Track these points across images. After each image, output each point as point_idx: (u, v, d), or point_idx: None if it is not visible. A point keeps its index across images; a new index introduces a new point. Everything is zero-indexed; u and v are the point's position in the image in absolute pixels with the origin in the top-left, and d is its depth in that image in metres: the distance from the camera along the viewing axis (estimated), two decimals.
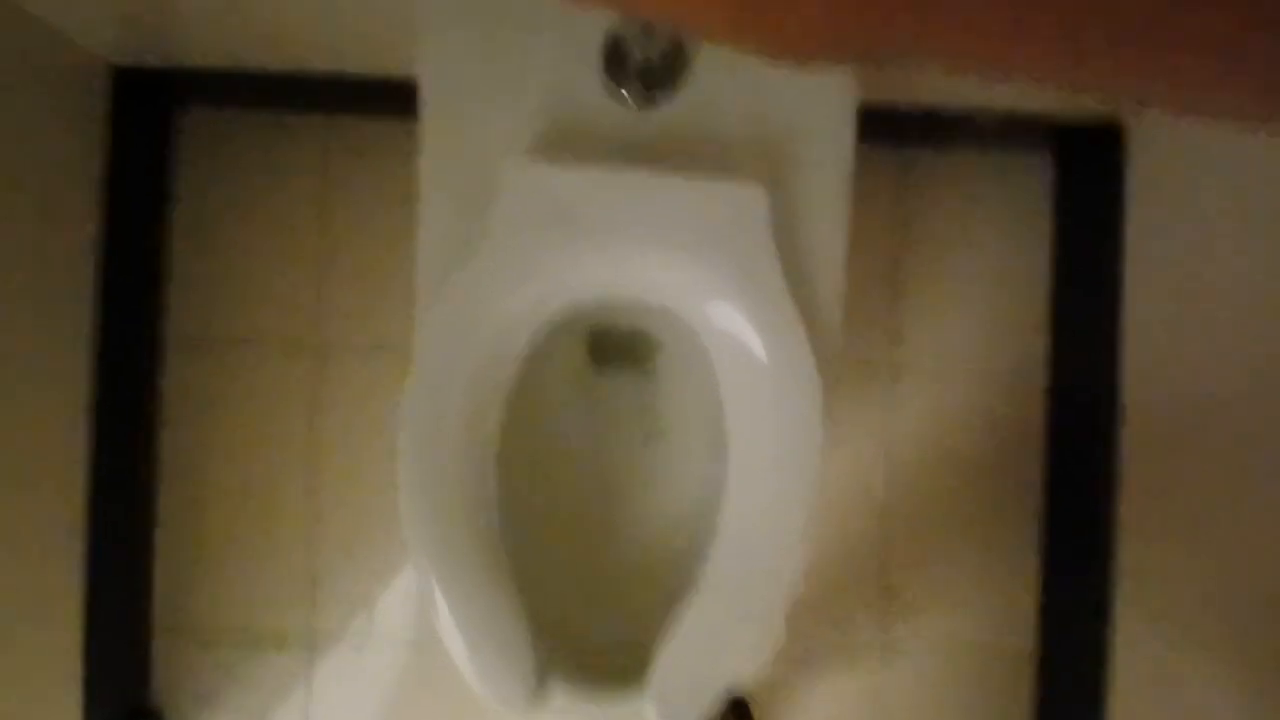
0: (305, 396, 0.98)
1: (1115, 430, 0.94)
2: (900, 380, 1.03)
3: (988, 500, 1.03)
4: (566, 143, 0.58)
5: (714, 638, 0.59)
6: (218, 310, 0.97)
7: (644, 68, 0.57)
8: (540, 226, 0.56)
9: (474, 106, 0.59)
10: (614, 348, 0.81)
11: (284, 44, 0.79)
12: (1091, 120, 0.92)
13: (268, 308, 0.97)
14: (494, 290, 0.57)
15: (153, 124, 0.91)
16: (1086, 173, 0.97)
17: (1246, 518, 0.75)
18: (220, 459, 0.97)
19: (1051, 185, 1.03)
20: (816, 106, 0.61)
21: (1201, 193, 0.81)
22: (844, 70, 0.62)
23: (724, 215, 0.55)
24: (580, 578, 0.68)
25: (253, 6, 0.71)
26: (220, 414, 0.97)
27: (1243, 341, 0.75)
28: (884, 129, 0.96)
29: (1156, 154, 0.88)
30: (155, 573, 0.94)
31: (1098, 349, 0.95)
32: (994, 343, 1.04)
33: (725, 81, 0.60)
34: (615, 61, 0.58)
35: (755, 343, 0.56)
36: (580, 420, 0.79)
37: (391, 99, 0.87)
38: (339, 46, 0.79)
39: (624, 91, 0.58)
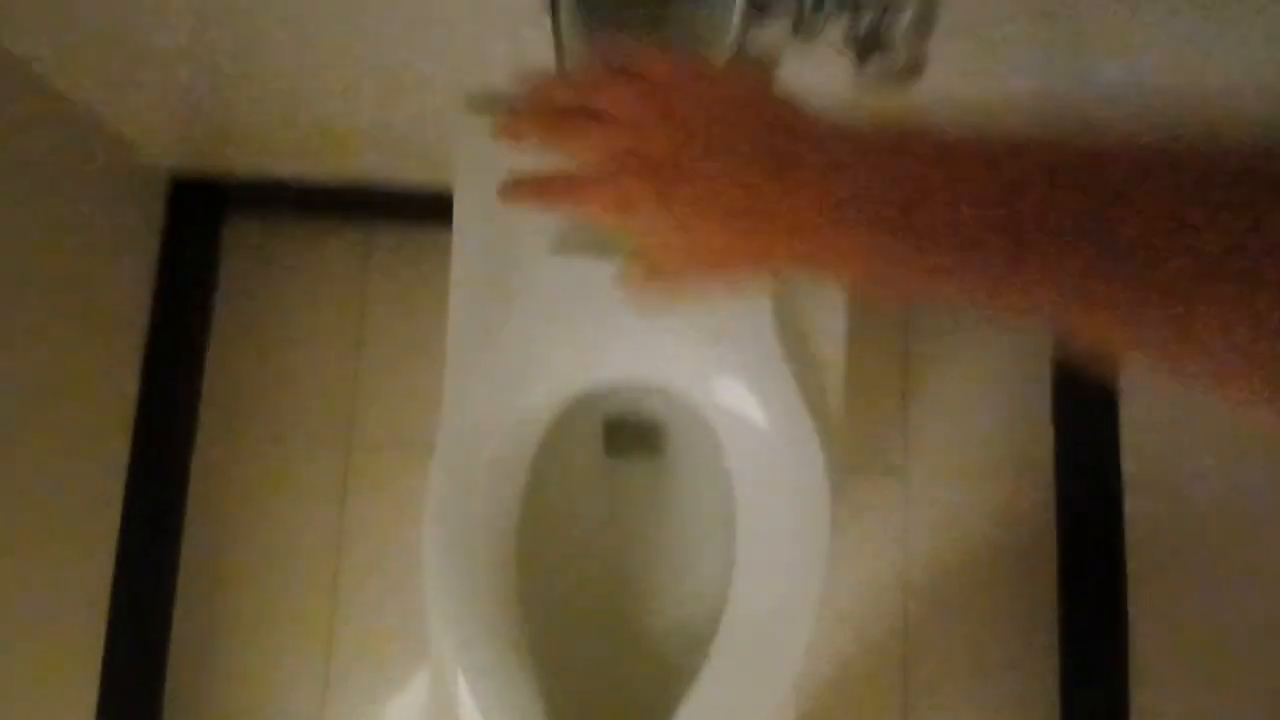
0: (331, 491, 1.00)
1: (1121, 526, 0.94)
2: (912, 481, 1.05)
3: (1005, 598, 1.03)
4: (583, 242, 0.63)
5: (723, 717, 0.59)
6: (252, 405, 1.01)
7: None
8: (559, 315, 0.60)
9: (501, 211, 0.65)
10: (627, 437, 0.84)
11: (328, 155, 0.86)
12: None
13: (300, 405, 1.01)
14: (515, 378, 0.61)
15: (204, 230, 0.99)
16: None
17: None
18: (244, 549, 0.98)
19: None
20: None
21: None
22: None
23: (729, 304, 0.60)
24: (597, 661, 0.68)
25: (302, 119, 0.78)
26: (247, 504, 0.99)
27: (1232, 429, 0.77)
28: None
29: None
30: (170, 658, 0.94)
31: (1100, 445, 0.97)
32: (1000, 443, 1.06)
33: None
34: None
35: (760, 421, 0.59)
36: (596, 507, 0.81)
37: (426, 210, 0.95)
38: (379, 158, 0.86)
39: None
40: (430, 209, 0.93)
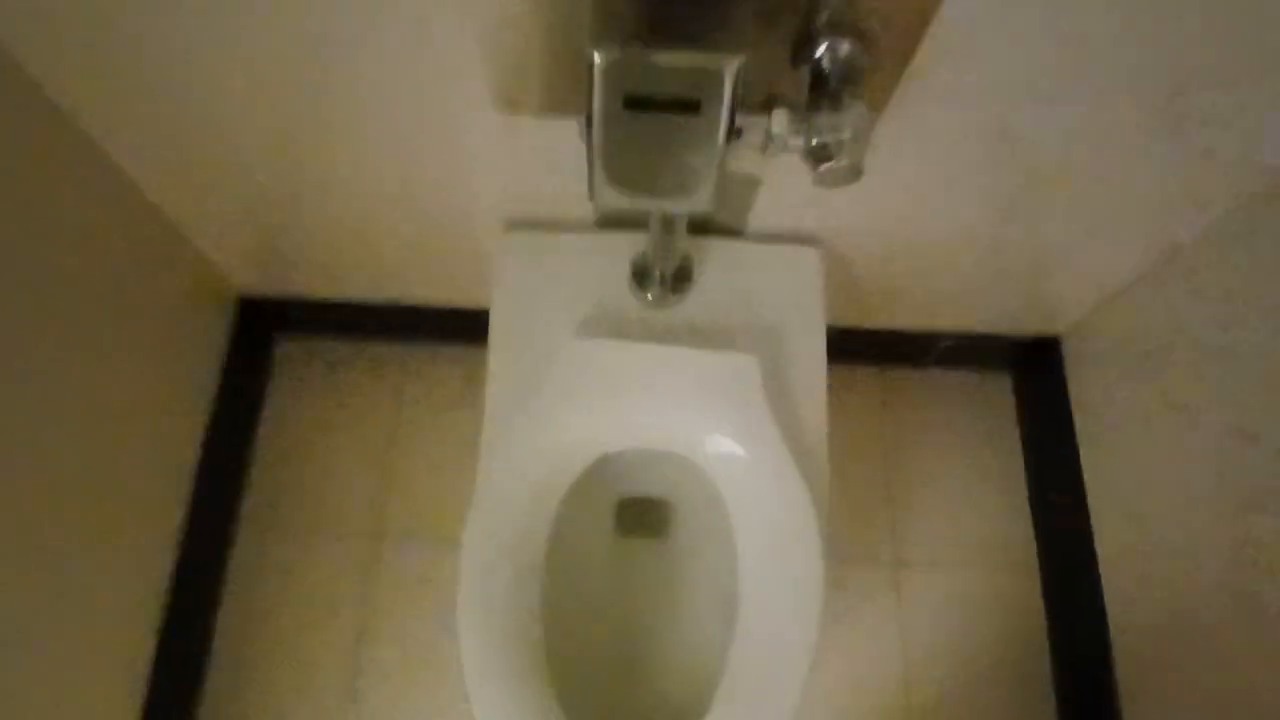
0: (357, 583, 1.07)
1: (1104, 620, 1.00)
2: (903, 571, 1.11)
3: (1003, 681, 1.06)
4: (604, 328, 0.76)
5: None
6: (290, 499, 1.10)
7: (661, 278, 0.76)
8: (582, 387, 0.71)
9: (534, 304, 0.78)
10: (638, 519, 0.93)
11: (375, 278, 1.01)
12: (1033, 334, 1.10)
13: (334, 503, 1.10)
14: (543, 439, 0.71)
15: (261, 343, 1.12)
16: (1037, 379, 1.14)
17: None
18: (272, 634, 1.03)
19: (1012, 390, 1.19)
20: (793, 298, 0.79)
21: (1127, 381, 0.97)
22: (811, 272, 0.81)
23: (724, 377, 0.71)
24: (615, 708, 0.73)
25: (356, 245, 0.93)
26: (278, 591, 1.05)
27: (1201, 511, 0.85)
28: (869, 352, 1.16)
29: (1086, 356, 1.05)
30: None
31: (1075, 533, 1.04)
32: (985, 531, 1.13)
33: (718, 288, 0.79)
34: (640, 274, 0.78)
35: (754, 474, 0.68)
36: (610, 576, 0.88)
37: (455, 330, 1.09)
38: (419, 281, 1.01)
39: (648, 295, 0.77)
40: (459, 329, 1.07)
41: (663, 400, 0.71)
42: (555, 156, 0.74)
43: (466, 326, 1.03)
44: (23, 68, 0.67)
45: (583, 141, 0.55)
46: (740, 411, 0.70)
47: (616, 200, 0.58)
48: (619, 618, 0.84)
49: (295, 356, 1.17)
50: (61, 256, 0.75)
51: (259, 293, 1.06)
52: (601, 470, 0.77)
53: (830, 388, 1.16)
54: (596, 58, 0.46)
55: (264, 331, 1.13)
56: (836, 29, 0.54)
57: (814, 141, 0.53)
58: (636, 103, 0.49)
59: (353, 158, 0.76)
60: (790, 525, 0.67)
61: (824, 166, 0.53)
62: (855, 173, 0.53)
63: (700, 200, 0.58)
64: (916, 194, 0.79)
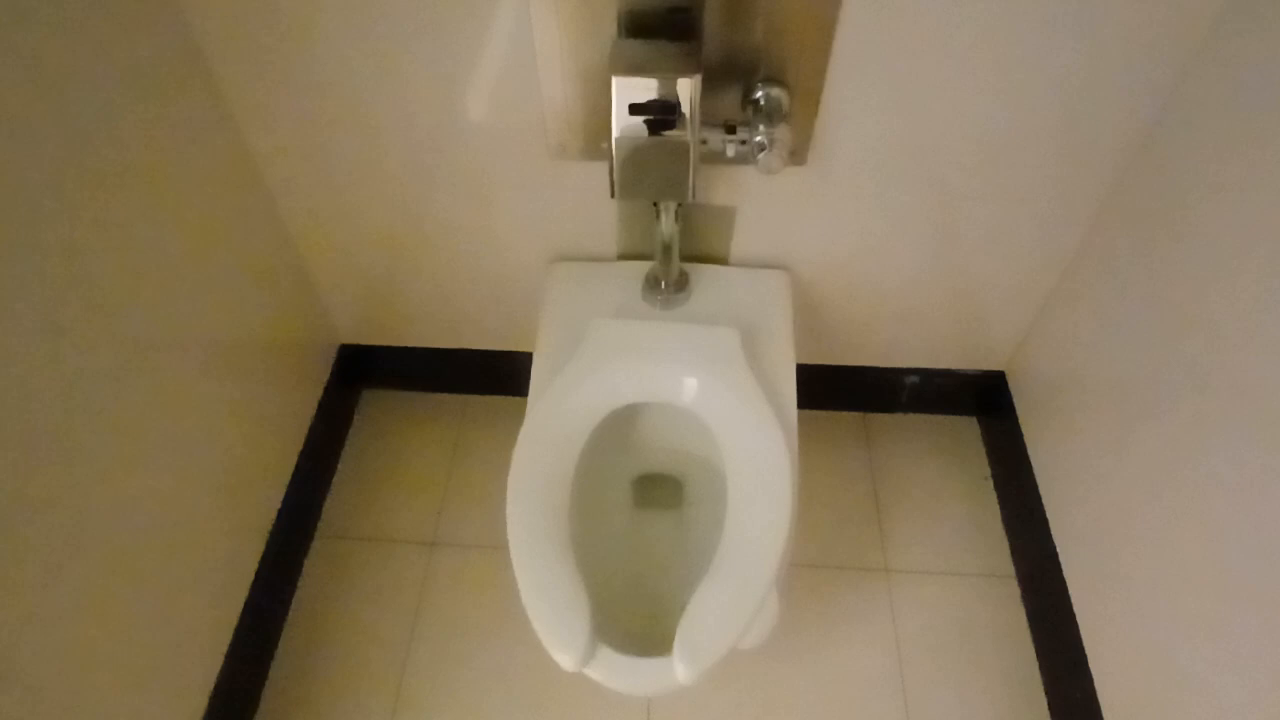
0: (414, 588, 1.24)
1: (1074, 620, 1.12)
2: (894, 585, 1.25)
3: (998, 685, 1.16)
4: (633, 311, 1.02)
5: (722, 610, 0.79)
6: (362, 518, 1.31)
7: (666, 286, 1.03)
8: (605, 353, 0.96)
9: (571, 307, 1.04)
10: (654, 495, 1.12)
11: (445, 327, 1.29)
12: (984, 370, 1.32)
13: (399, 519, 1.31)
14: (575, 390, 0.94)
15: (349, 391, 1.39)
16: (994, 414, 1.34)
17: None
18: (337, 631, 1.20)
19: (977, 429, 1.39)
20: (767, 305, 1.05)
21: (1059, 408, 1.17)
22: (782, 290, 1.07)
23: (712, 344, 0.95)
24: (623, 587, 0.89)
25: (434, 297, 1.22)
26: (346, 593, 1.23)
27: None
28: (847, 396, 1.38)
29: (1026, 387, 1.26)
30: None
31: (1039, 543, 1.19)
32: (966, 552, 1.28)
33: (709, 299, 1.05)
34: (650, 284, 1.05)
35: (737, 413, 0.90)
36: (627, 540, 1.06)
37: (509, 381, 1.35)
38: (481, 331, 1.29)
39: (656, 299, 1.04)
40: (509, 379, 1.33)
41: (664, 358, 0.95)
42: (589, 201, 1.04)
43: (519, 376, 1.29)
44: (229, 111, 1.00)
45: (609, 169, 0.85)
46: (723, 362, 0.94)
47: (630, 195, 0.87)
48: (636, 564, 1.02)
49: (376, 403, 1.43)
50: (209, 277, 1.00)
51: (355, 341, 1.35)
52: (621, 446, 0.99)
53: (818, 430, 1.38)
54: (615, 82, 0.77)
55: (355, 378, 1.40)
56: (768, 81, 0.86)
57: (756, 139, 0.82)
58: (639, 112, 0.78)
59: (441, 204, 1.07)
60: (762, 436, 0.88)
61: (762, 155, 0.82)
62: (782, 160, 0.82)
63: (683, 192, 0.86)
64: (851, 228, 1.07)
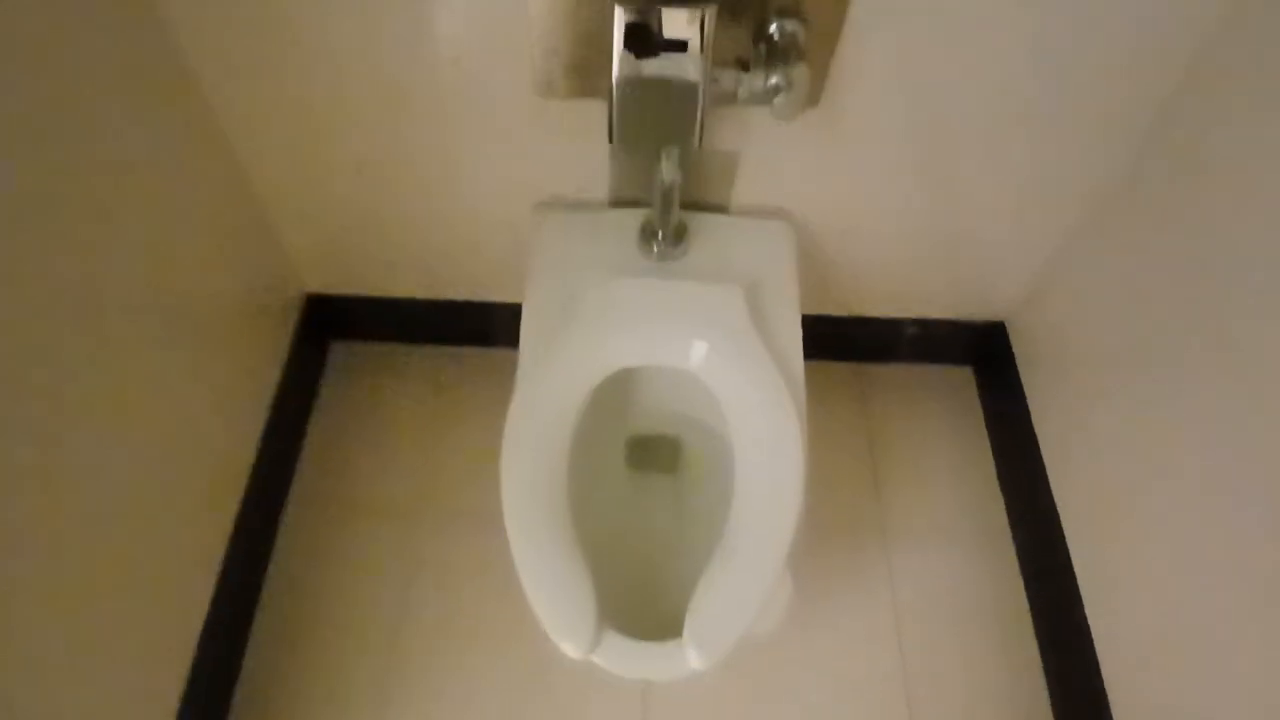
0: (398, 555, 1.19)
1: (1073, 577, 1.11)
2: (891, 547, 1.23)
3: (995, 648, 1.15)
4: (620, 274, 0.94)
5: (731, 590, 0.76)
6: (338, 483, 1.24)
7: (663, 237, 0.95)
8: (602, 314, 0.89)
9: (561, 260, 0.97)
10: (651, 457, 1.07)
11: (420, 275, 1.20)
12: (985, 320, 1.28)
13: (379, 485, 1.24)
14: (573, 356, 0.87)
15: (318, 342, 1.30)
16: (992, 364, 1.31)
17: None
18: (315, 607, 1.14)
19: (974, 381, 1.36)
20: (770, 258, 0.98)
21: (1064, 359, 1.14)
22: (785, 240, 1.00)
23: (715, 303, 0.89)
24: (620, 558, 0.85)
25: (407, 243, 1.13)
26: (323, 563, 1.17)
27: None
28: (845, 347, 1.33)
29: (1029, 337, 1.22)
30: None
31: (1036, 499, 1.17)
32: (961, 510, 1.26)
33: (709, 250, 0.98)
34: (646, 234, 0.97)
35: (744, 381, 0.84)
36: (623, 505, 1.01)
37: (491, 332, 1.27)
38: (465, 273, 1.20)
39: (653, 250, 0.96)
40: (500, 329, 1.26)
41: (664, 320, 0.88)
42: (579, 143, 0.95)
43: (504, 328, 1.22)
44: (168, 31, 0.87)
45: (607, 111, 0.77)
46: (727, 324, 0.88)
47: (630, 141, 0.78)
48: (631, 535, 0.98)
49: (347, 356, 1.35)
50: (163, 229, 0.90)
51: (322, 290, 1.25)
52: (617, 406, 0.93)
53: (813, 382, 1.33)
54: (618, 11, 0.67)
55: (323, 329, 1.32)
56: (783, 14, 0.77)
57: (771, 81, 0.73)
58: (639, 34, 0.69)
59: (413, 145, 0.97)
60: (770, 403, 0.83)
61: (778, 98, 0.73)
62: (799, 105, 0.74)
63: (689, 138, 0.78)
64: (859, 175, 1.00)
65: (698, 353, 0.87)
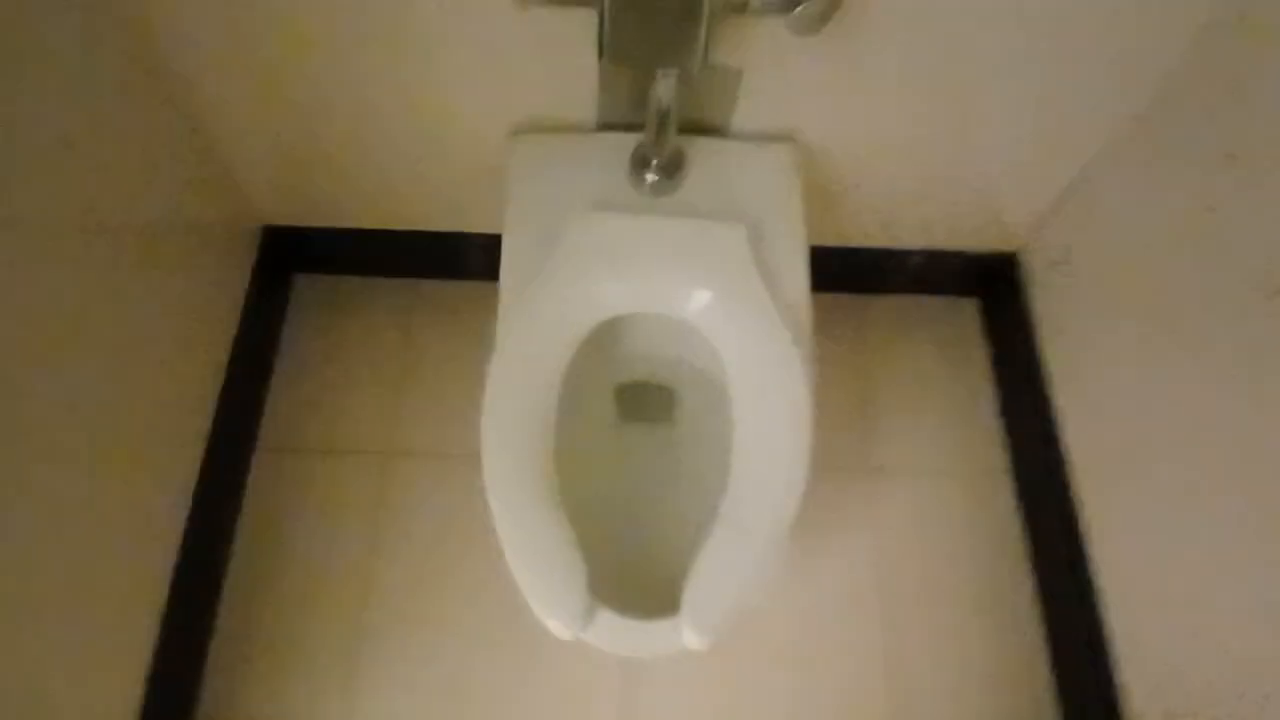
0: (370, 500, 1.13)
1: (1077, 522, 1.07)
2: (877, 480, 1.18)
3: (984, 593, 1.13)
4: (609, 210, 0.85)
5: (731, 564, 0.70)
6: (306, 426, 1.17)
7: (657, 166, 0.85)
8: (589, 255, 0.80)
9: (543, 193, 0.86)
10: (639, 409, 1.00)
11: (389, 206, 1.09)
12: (994, 251, 1.20)
13: (348, 427, 1.17)
14: (555, 300, 0.78)
15: (280, 275, 1.20)
16: (999, 295, 1.24)
17: None
18: (287, 554, 1.09)
19: (979, 312, 1.30)
20: (774, 187, 0.88)
21: (1082, 289, 1.07)
22: (789, 167, 0.90)
23: (714, 243, 0.80)
24: (618, 535, 0.80)
25: (374, 170, 1.02)
26: (294, 509, 1.11)
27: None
28: (844, 275, 1.25)
29: (1041, 268, 1.15)
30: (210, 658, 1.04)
31: (1043, 438, 1.13)
32: (956, 443, 1.22)
33: (708, 180, 0.88)
34: (639, 163, 0.87)
35: (742, 321, 0.77)
36: (613, 459, 0.95)
37: (464, 263, 1.17)
38: (431, 208, 1.09)
39: (646, 181, 0.86)
40: (471, 261, 1.16)
41: (660, 265, 0.80)
42: (561, 57, 0.83)
43: (476, 259, 1.12)
44: None
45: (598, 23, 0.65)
46: (729, 270, 0.79)
47: (623, 59, 0.67)
48: (621, 493, 0.92)
49: (312, 289, 1.25)
50: (99, 160, 0.80)
51: (281, 222, 1.14)
52: (603, 351, 0.85)
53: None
54: None
55: (284, 263, 1.21)
56: None
57: None
58: None
59: (375, 62, 0.85)
60: (776, 359, 0.76)
61: (800, 8, 0.62)
62: (824, 15, 0.63)
63: (691, 56, 0.67)
64: (871, 96, 0.89)
65: (696, 302, 0.79)
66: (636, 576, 0.76)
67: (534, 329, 0.77)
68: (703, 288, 0.79)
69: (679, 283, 0.79)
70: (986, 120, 0.93)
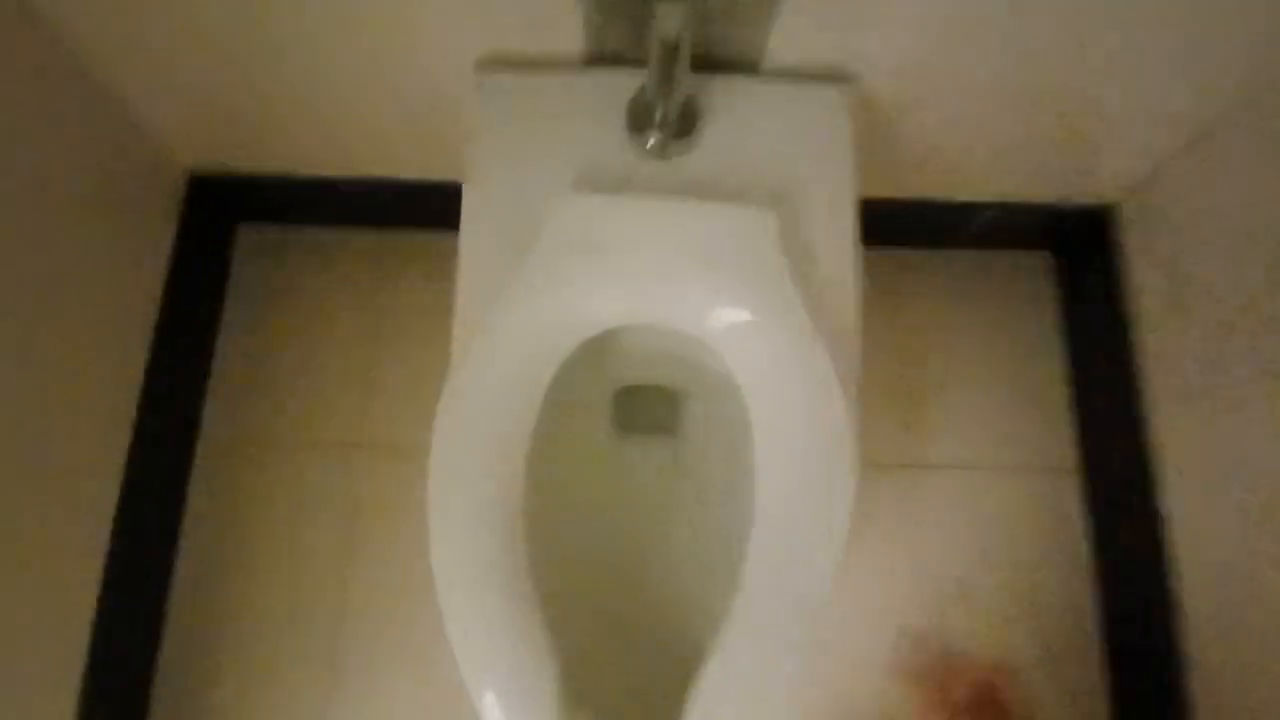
0: (340, 500, 0.98)
1: (1159, 523, 0.90)
2: (921, 475, 1.01)
3: (1042, 608, 0.98)
4: (596, 183, 0.64)
5: (747, 678, 0.55)
6: (255, 414, 1.00)
7: (662, 120, 0.64)
8: (572, 251, 0.60)
9: (514, 157, 0.66)
10: (639, 416, 0.83)
11: (340, 151, 0.88)
12: (1082, 204, 0.97)
13: (309, 406, 1.01)
14: (528, 315, 0.60)
15: (218, 228, 1.01)
16: (1083, 256, 1.02)
17: None
18: (245, 555, 0.96)
19: (1053, 272, 1.08)
20: (815, 152, 0.67)
21: (1196, 252, 0.85)
22: (838, 118, 0.69)
23: (736, 235, 0.60)
24: (609, 625, 0.64)
25: (317, 112, 0.81)
26: (247, 510, 0.97)
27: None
28: (890, 229, 1.03)
29: (1146, 225, 0.92)
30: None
31: (1127, 432, 0.94)
32: (1016, 432, 1.04)
33: (729, 136, 0.67)
34: (638, 116, 0.65)
35: (771, 346, 0.58)
36: (606, 483, 0.79)
37: (434, 213, 0.97)
38: (391, 153, 0.89)
39: (647, 141, 0.65)
40: (433, 211, 0.95)
41: (665, 264, 0.60)
42: None
43: (443, 209, 0.91)
44: None
45: None
46: (755, 274, 0.59)
47: None
48: (617, 531, 0.75)
49: (259, 242, 1.06)
50: None
51: (211, 170, 0.94)
52: (596, 353, 0.67)
53: None
54: None
55: (220, 216, 1.01)
56: None
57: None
58: None
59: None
60: (814, 404, 0.57)
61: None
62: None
63: None
64: (957, 24, 0.66)
65: (713, 321, 0.60)
66: (631, 668, 0.62)
67: (499, 358, 0.58)
68: (720, 304, 0.59)
69: (687, 295, 0.60)
70: (1115, 60, 0.70)
